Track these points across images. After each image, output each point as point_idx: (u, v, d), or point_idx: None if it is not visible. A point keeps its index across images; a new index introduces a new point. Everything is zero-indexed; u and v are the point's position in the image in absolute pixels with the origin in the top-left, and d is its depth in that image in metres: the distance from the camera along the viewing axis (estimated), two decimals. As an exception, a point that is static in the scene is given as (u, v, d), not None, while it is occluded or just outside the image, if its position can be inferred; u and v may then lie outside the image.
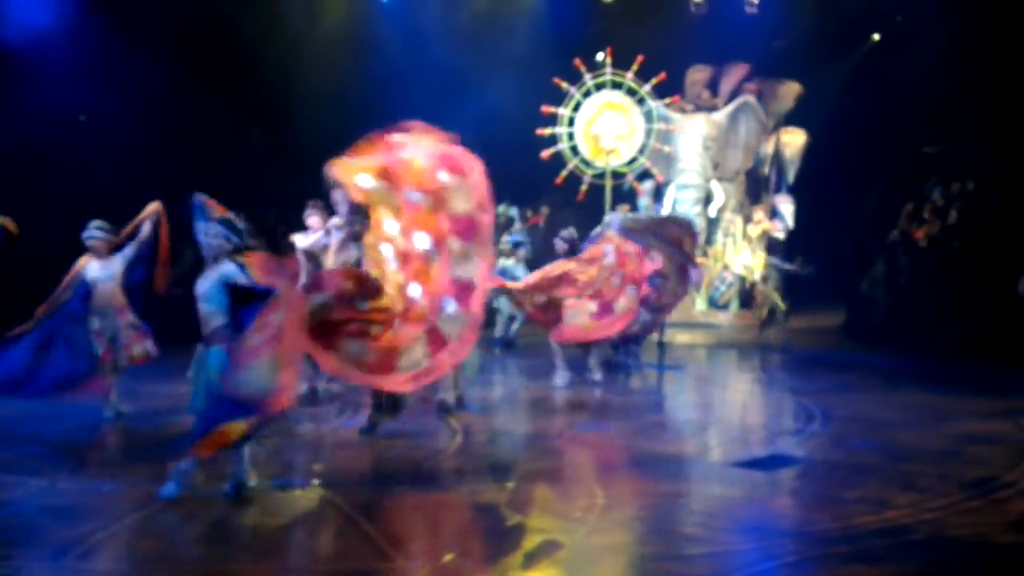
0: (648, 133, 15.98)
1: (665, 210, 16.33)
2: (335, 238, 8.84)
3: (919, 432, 8.26)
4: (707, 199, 16.87)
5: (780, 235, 17.13)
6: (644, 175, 16.69)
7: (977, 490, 6.41)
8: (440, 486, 6.74)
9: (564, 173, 15.83)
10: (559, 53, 15.87)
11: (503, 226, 16.86)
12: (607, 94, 15.88)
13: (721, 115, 16.85)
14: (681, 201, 16.71)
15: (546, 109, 15.77)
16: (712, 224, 17.00)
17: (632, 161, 16.03)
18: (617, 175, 15.99)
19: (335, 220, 8.86)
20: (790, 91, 17.48)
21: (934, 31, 17.06)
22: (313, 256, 8.93)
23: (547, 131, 15.81)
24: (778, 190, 17.45)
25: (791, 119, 17.61)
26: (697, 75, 17.39)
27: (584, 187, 15.85)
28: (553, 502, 6.56)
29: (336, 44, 17.70)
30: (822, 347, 14.30)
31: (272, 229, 14.89)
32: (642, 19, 16.98)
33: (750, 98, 16.95)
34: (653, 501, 6.39)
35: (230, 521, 6.04)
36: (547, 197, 18.02)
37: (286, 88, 17.52)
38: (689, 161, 16.61)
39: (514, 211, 17.13)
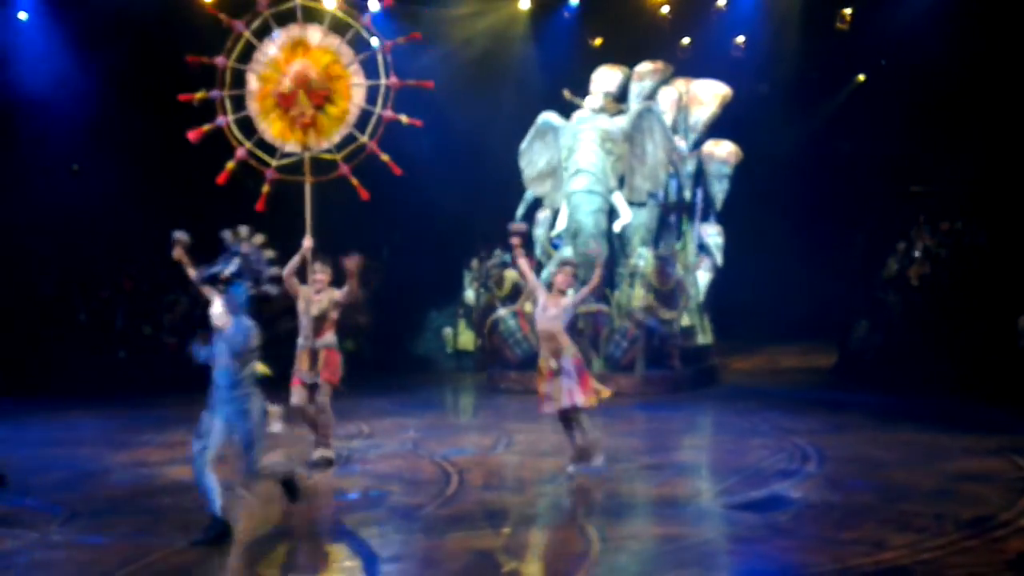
0: (374, 96, 9.02)
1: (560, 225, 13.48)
2: None
3: (914, 471, 8.24)
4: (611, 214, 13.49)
5: (707, 273, 14.60)
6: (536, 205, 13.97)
7: (974, 529, 6.38)
8: (435, 532, 6.68)
9: (230, 165, 8.73)
10: (549, 97, 15.82)
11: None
12: (298, 33, 8.81)
13: (624, 122, 13.71)
14: (578, 205, 13.20)
15: (192, 59, 8.80)
16: (615, 264, 13.62)
17: (345, 143, 8.94)
18: (321, 168, 8.98)
19: None
20: (715, 94, 14.81)
21: (918, 72, 17.22)
22: None
23: (197, 95, 8.77)
24: (705, 219, 14.50)
25: (745, 138, 15.23)
26: (604, 80, 14.36)
27: (265, 188, 8.81)
28: (548, 547, 6.53)
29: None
30: (815, 387, 14.28)
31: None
32: (629, 62, 16.50)
33: (652, 104, 13.95)
34: (649, 544, 6.36)
35: (221, 574, 5.99)
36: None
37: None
38: (585, 158, 13.33)
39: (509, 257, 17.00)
